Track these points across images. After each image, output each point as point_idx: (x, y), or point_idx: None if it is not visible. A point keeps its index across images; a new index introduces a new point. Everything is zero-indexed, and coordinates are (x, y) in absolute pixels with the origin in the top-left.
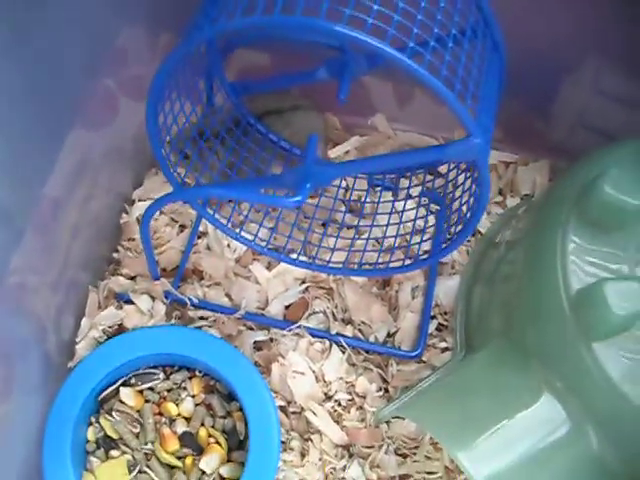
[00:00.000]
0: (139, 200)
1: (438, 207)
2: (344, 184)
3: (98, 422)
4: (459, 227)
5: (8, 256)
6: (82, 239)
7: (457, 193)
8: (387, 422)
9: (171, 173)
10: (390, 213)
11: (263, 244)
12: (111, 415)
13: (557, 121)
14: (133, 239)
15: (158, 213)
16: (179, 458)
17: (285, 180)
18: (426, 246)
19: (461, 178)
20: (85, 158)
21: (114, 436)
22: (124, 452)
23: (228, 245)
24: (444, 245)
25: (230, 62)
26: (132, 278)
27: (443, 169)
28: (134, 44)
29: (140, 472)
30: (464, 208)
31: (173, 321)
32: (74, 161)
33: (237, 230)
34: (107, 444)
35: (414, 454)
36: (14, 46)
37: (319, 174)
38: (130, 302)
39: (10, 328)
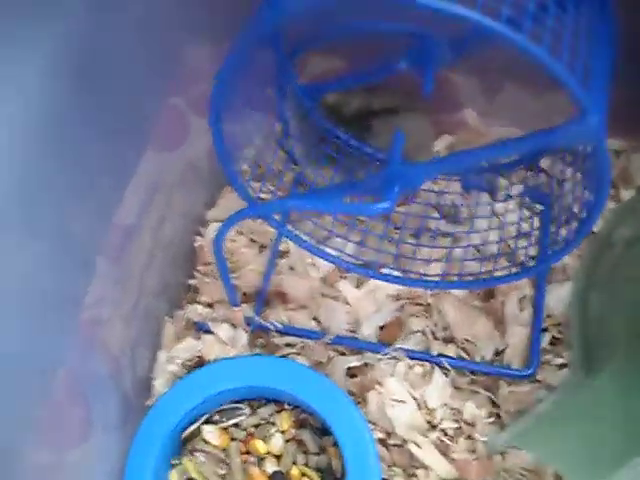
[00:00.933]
0: (214, 221)
1: (542, 207)
2: (436, 188)
3: (181, 464)
4: (572, 227)
5: (82, 290)
6: (156, 267)
7: (565, 189)
8: (501, 453)
9: (242, 186)
10: (490, 217)
11: (350, 260)
12: (194, 456)
13: None
14: (209, 263)
15: (235, 233)
16: None
17: (369, 185)
18: (533, 251)
19: (568, 172)
20: (157, 180)
21: (199, 479)
22: None
23: (312, 264)
24: (553, 248)
25: (299, 71)
26: (210, 305)
27: (545, 164)
28: (200, 61)
29: None
30: (575, 206)
31: (257, 350)
32: (146, 185)
33: (321, 246)
34: None
35: None
36: (83, 69)
37: (407, 175)
38: (209, 332)
39: (85, 365)
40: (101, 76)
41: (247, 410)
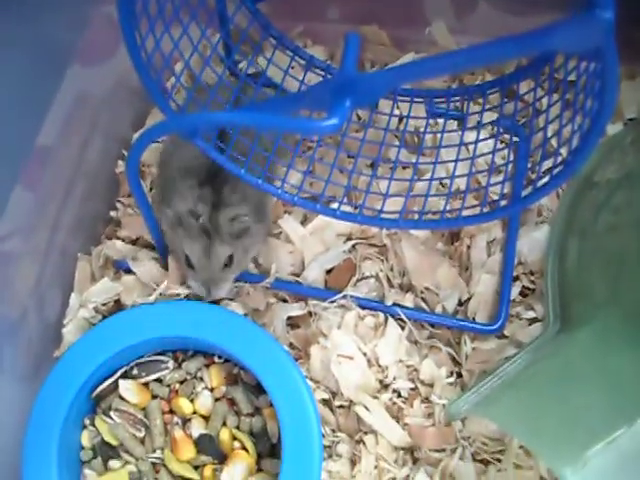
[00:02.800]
0: None
1: (518, 139)
2: (397, 112)
3: (93, 425)
4: (552, 164)
5: None
6: (76, 196)
7: (544, 119)
8: (461, 419)
9: (160, 95)
10: (459, 145)
11: (294, 192)
12: (109, 416)
13: None
14: None
15: None
16: (195, 468)
17: (316, 98)
18: (505, 189)
19: (544, 102)
20: (83, 97)
21: (113, 442)
22: (126, 462)
23: None
24: (530, 188)
25: None
26: (134, 242)
27: (522, 89)
28: None
29: None
30: (555, 140)
31: (185, 295)
32: (70, 102)
33: (258, 176)
34: (105, 452)
35: (498, 461)
36: None
37: (361, 86)
38: (130, 272)
39: None
40: None
41: (171, 364)
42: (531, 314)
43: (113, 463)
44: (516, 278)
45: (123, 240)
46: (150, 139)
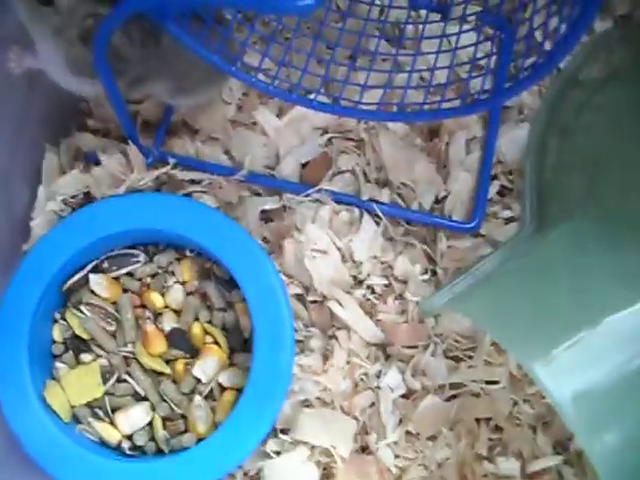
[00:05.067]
0: None
1: (501, 33)
2: (378, 2)
3: (64, 319)
4: (535, 58)
5: None
6: (44, 85)
7: (529, 12)
8: (435, 316)
9: None
10: (440, 37)
11: (269, 81)
12: (80, 310)
13: None
14: None
15: None
16: (167, 362)
17: None
18: (487, 84)
19: None
20: None
21: (84, 336)
22: (98, 356)
23: (229, 87)
24: (511, 82)
25: None
26: (106, 135)
27: None
28: None
29: (118, 381)
30: (539, 34)
31: (155, 187)
32: None
33: (233, 63)
34: (76, 346)
35: (469, 357)
36: None
37: None
38: (100, 164)
39: None
40: None
41: (142, 257)
42: (508, 213)
43: (84, 357)
44: (494, 177)
45: (93, 132)
46: (118, 19)
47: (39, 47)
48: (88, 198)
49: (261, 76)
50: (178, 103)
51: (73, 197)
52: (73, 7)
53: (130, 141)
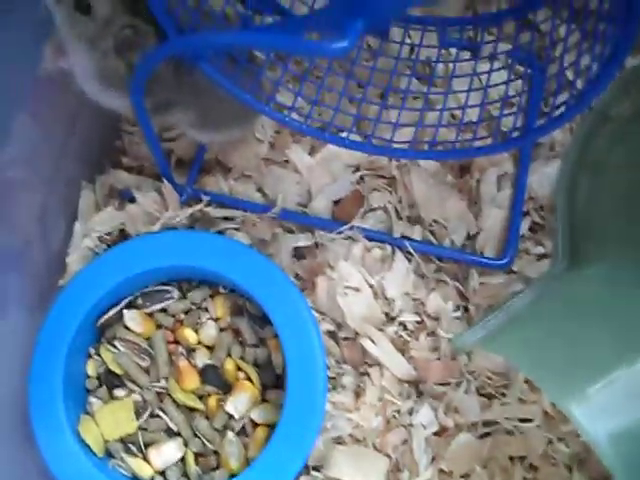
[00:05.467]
0: None
1: (532, 70)
2: (408, 41)
3: (98, 354)
4: (568, 95)
5: None
6: (82, 123)
7: (561, 50)
8: (467, 353)
9: (165, 14)
10: (471, 76)
11: (302, 120)
12: (114, 345)
13: None
14: None
15: None
16: (200, 398)
17: (326, 19)
18: (518, 121)
19: (562, 31)
20: None
21: (118, 371)
22: (131, 391)
23: (261, 125)
24: (543, 119)
25: None
26: (140, 172)
27: (538, 18)
28: None
29: (151, 416)
30: (570, 72)
31: (189, 223)
32: None
33: (267, 102)
34: (110, 381)
35: (503, 395)
36: None
37: (374, 5)
38: (134, 201)
39: None
40: None
41: (176, 293)
42: (540, 250)
43: (118, 392)
44: (526, 213)
45: (127, 169)
46: (155, 62)
47: (72, 54)
48: (123, 235)
49: (294, 115)
50: (202, 138)
51: (108, 234)
52: (110, 18)
53: (164, 179)
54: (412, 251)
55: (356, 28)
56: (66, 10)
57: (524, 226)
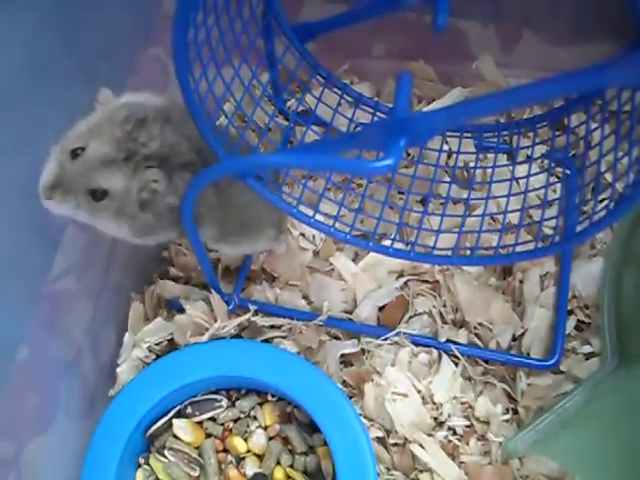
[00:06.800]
0: None
1: (569, 172)
2: (446, 147)
3: (148, 463)
4: (608, 197)
5: (45, 259)
6: None
7: (597, 153)
8: (519, 457)
9: (214, 138)
10: (510, 180)
11: (347, 230)
12: (163, 454)
13: None
14: None
15: None
16: None
17: (370, 138)
18: (559, 224)
19: (597, 134)
20: None
21: None
22: None
23: (303, 234)
24: (585, 223)
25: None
26: (186, 282)
27: (573, 122)
28: None
29: None
30: (608, 174)
31: (236, 332)
32: None
33: (311, 213)
34: None
35: None
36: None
37: (416, 125)
38: (183, 311)
39: (44, 347)
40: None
41: (224, 402)
42: (587, 349)
43: None
44: (571, 312)
45: (175, 280)
46: (206, 181)
47: (100, 227)
48: (172, 345)
49: (338, 225)
50: (225, 251)
51: (157, 344)
52: (127, 186)
53: (212, 289)
54: (458, 354)
55: (400, 146)
56: (88, 203)
57: (570, 325)
